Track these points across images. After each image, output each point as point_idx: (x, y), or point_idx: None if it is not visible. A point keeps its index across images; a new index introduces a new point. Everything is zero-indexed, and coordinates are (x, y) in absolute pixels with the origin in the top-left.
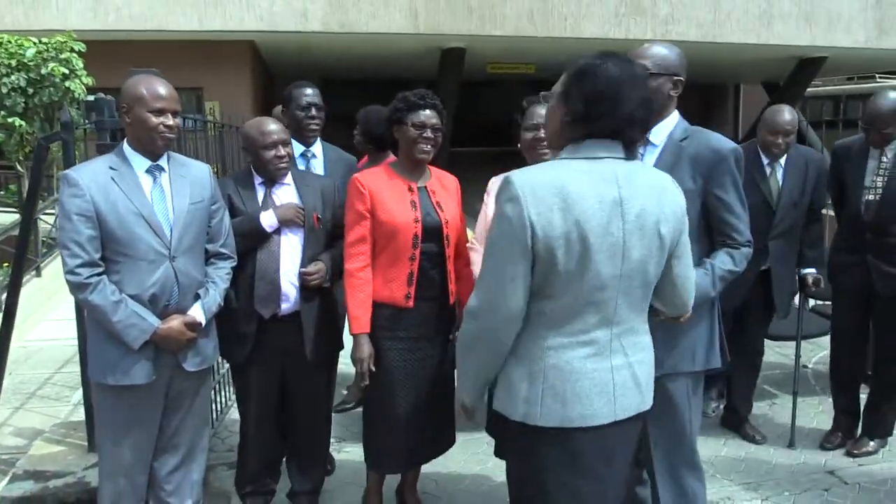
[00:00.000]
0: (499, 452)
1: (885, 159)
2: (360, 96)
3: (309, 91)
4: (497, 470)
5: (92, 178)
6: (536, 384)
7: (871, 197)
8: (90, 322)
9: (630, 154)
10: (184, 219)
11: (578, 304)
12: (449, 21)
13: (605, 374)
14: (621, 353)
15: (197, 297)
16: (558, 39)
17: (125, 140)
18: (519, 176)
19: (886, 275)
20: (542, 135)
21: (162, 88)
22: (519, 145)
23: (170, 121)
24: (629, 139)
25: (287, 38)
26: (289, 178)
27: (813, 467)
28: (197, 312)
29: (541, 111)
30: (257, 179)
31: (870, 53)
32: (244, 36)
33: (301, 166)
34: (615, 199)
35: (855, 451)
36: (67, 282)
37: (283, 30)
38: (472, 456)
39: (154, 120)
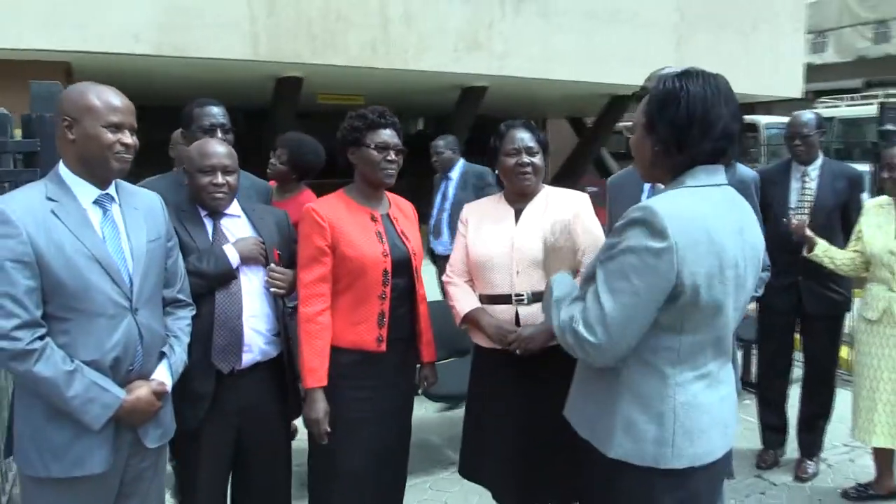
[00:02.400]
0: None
1: (807, 180)
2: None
3: (214, 110)
4: None
5: (26, 211)
6: (667, 424)
7: (799, 217)
8: (20, 400)
9: (727, 170)
10: (143, 261)
11: (709, 338)
12: (290, 48)
13: (718, 407)
14: (726, 383)
15: (160, 356)
16: (398, 71)
17: (60, 163)
18: (665, 208)
19: (818, 295)
20: (526, 160)
21: (116, 99)
22: (496, 171)
23: (128, 138)
24: (729, 157)
25: (109, 61)
26: (237, 209)
27: (747, 474)
28: (163, 376)
29: (523, 135)
30: (202, 210)
31: None
32: (62, 56)
33: None
34: (739, 228)
35: (803, 476)
36: None
37: (111, 51)
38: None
39: (110, 137)
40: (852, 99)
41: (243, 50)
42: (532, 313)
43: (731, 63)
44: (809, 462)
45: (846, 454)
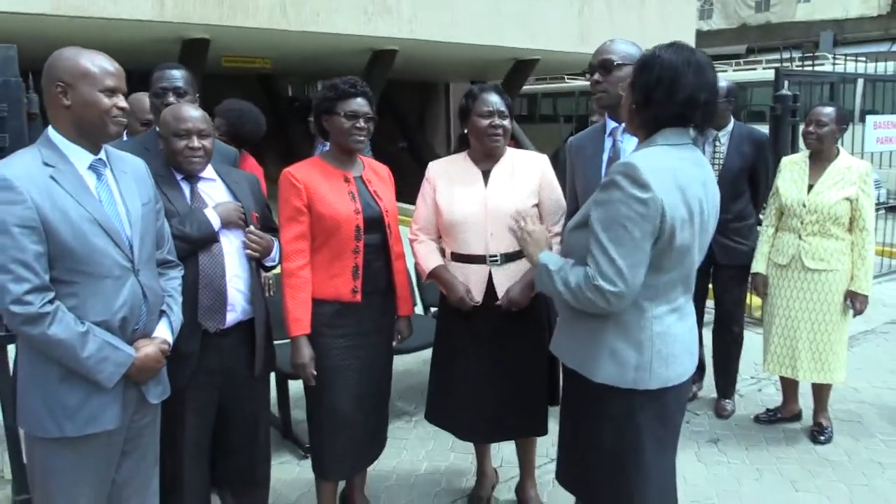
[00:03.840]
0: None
1: (718, 144)
2: None
3: (169, 73)
4: (418, 461)
5: (28, 177)
6: (645, 352)
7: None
8: (27, 361)
9: (701, 139)
10: (140, 224)
11: (680, 275)
12: (198, 10)
13: (687, 335)
14: (691, 314)
15: (160, 315)
16: (309, 34)
17: (50, 129)
18: (642, 162)
19: (727, 248)
20: (498, 122)
21: (109, 63)
22: (465, 131)
23: (123, 102)
24: (697, 123)
25: (3, 20)
26: (212, 173)
27: None
28: (164, 333)
29: (495, 98)
30: (177, 174)
31: (573, 57)
32: None
33: None
34: (703, 181)
35: (722, 413)
36: (11, 314)
37: (5, 10)
38: (393, 451)
39: (107, 101)
40: (737, 64)
41: (148, 11)
42: (505, 273)
43: (628, 29)
44: (727, 401)
45: (754, 385)
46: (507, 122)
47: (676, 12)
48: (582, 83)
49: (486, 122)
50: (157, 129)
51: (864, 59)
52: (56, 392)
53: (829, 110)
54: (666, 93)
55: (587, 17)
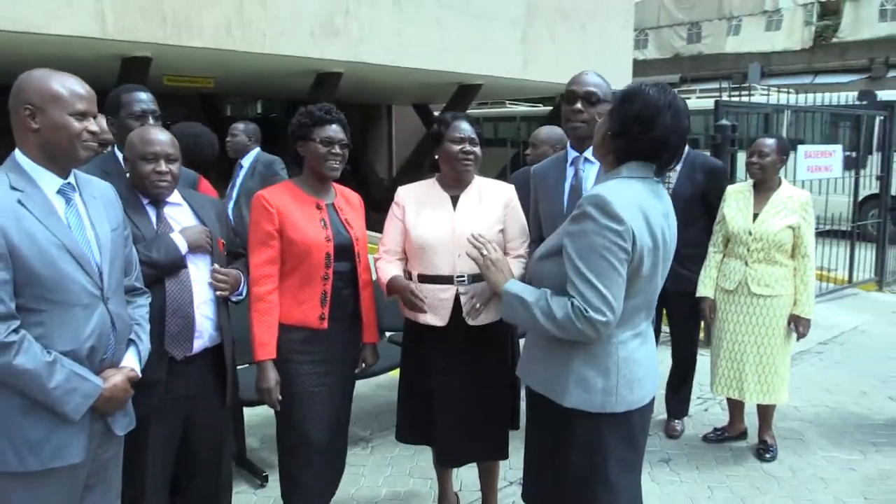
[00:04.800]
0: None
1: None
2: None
3: (143, 96)
4: (377, 487)
5: None
6: (612, 377)
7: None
8: None
9: (661, 175)
10: (109, 250)
11: (644, 302)
12: (141, 28)
13: (649, 359)
14: (651, 338)
15: (128, 343)
16: (255, 55)
17: (17, 152)
18: (611, 194)
19: (678, 275)
20: (469, 148)
21: (79, 86)
22: (436, 157)
23: (94, 126)
24: (662, 162)
25: None
26: (178, 198)
27: None
28: (132, 362)
29: (466, 126)
30: (143, 198)
31: (516, 83)
32: None
33: None
34: (665, 212)
35: (672, 434)
36: None
37: None
38: (351, 478)
39: (77, 125)
40: None
41: (90, 27)
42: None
43: (569, 56)
44: (677, 421)
45: (700, 405)
46: (477, 150)
47: (614, 41)
48: (523, 109)
49: (457, 147)
50: (116, 150)
51: (791, 90)
52: (19, 424)
53: (770, 141)
54: (643, 128)
55: (530, 44)
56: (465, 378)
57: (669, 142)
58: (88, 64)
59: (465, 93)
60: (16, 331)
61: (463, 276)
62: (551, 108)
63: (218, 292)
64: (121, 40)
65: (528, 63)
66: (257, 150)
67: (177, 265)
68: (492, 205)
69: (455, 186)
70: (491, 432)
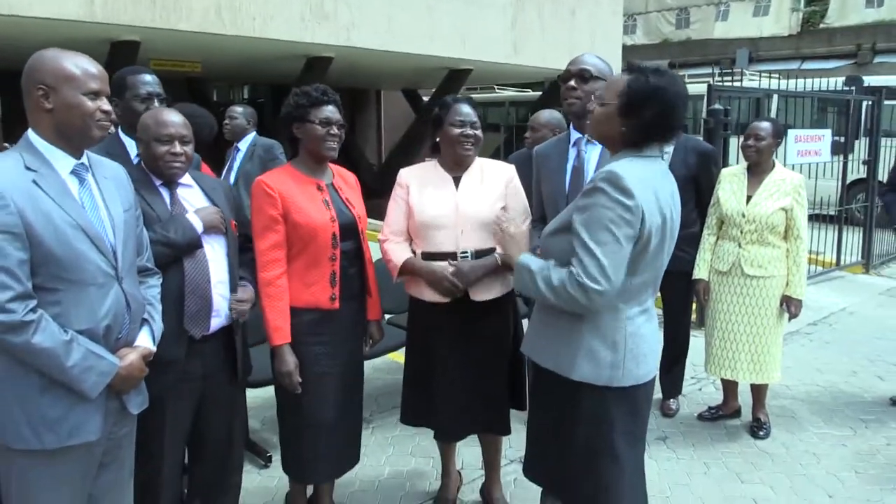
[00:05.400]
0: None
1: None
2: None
3: (149, 79)
4: (380, 466)
5: (11, 182)
6: (620, 351)
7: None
8: (5, 371)
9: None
10: (123, 230)
11: (651, 278)
12: (130, 11)
13: (653, 336)
14: (655, 316)
15: (142, 323)
16: (244, 39)
17: (30, 132)
18: (623, 171)
19: (672, 255)
20: (470, 132)
21: (92, 66)
22: (437, 139)
23: (107, 105)
24: (665, 142)
25: None
26: (189, 179)
27: None
28: (146, 342)
29: (468, 110)
30: (156, 180)
31: (505, 68)
32: None
33: None
34: (671, 192)
35: (668, 413)
36: None
37: None
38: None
39: (91, 105)
40: None
41: (77, 10)
42: None
43: (559, 42)
44: (672, 400)
45: (695, 385)
46: (478, 132)
47: (603, 27)
48: (512, 93)
49: (458, 130)
50: (120, 133)
51: (777, 76)
52: (37, 402)
53: (766, 125)
54: (664, 122)
55: (519, 29)
56: (468, 352)
57: (679, 128)
58: (75, 48)
59: (454, 78)
60: (33, 310)
61: (466, 253)
62: (540, 93)
63: (236, 316)
64: (108, 23)
65: (517, 48)
66: (254, 133)
67: (193, 245)
68: (493, 184)
69: (456, 168)
70: (493, 404)
